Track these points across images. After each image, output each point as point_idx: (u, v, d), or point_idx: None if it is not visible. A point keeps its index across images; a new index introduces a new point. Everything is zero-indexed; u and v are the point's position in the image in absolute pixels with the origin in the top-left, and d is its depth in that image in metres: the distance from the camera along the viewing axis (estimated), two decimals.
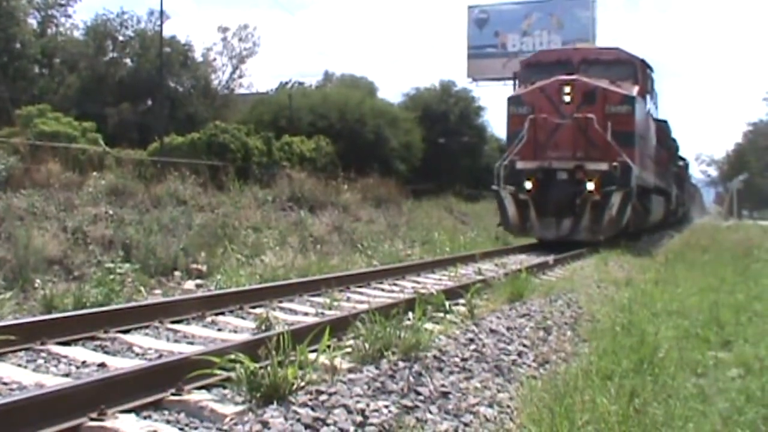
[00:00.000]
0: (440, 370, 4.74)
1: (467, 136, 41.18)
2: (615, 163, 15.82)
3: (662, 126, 26.56)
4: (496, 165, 17.32)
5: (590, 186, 15.89)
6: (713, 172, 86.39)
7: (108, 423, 3.67)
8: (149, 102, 32.85)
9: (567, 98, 16.49)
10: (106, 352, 5.39)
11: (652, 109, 21.79)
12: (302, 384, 3.99)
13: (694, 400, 4.28)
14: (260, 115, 30.43)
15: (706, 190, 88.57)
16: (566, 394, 4.09)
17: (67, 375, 4.74)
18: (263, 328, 6.15)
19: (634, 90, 17.45)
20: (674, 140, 32.99)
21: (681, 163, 39.07)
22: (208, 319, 6.76)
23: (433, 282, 9.99)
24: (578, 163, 16.17)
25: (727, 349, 6.02)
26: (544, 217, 16.45)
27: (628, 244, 16.33)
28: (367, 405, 3.83)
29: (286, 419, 3.53)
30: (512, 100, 17.81)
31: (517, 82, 18.80)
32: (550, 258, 12.44)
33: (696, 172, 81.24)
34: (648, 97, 19.90)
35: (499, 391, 4.55)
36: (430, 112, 40.09)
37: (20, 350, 5.20)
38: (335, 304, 7.64)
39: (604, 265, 11.95)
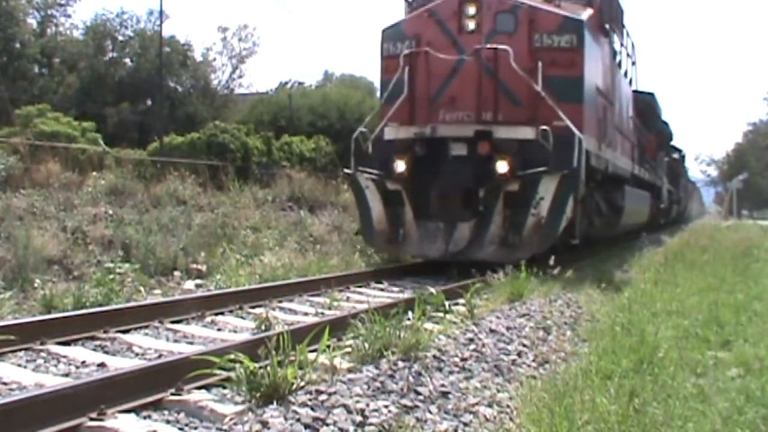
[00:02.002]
0: (440, 369, 4.74)
1: None
2: (545, 127, 9.81)
3: (647, 100, 20.93)
4: (354, 136, 11.27)
5: (502, 167, 9.89)
6: (713, 171, 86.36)
7: (108, 423, 3.67)
8: (149, 102, 32.81)
9: (470, 24, 10.70)
10: (106, 352, 5.39)
11: (627, 68, 16.28)
12: (302, 384, 3.99)
13: (693, 399, 4.28)
14: (260, 115, 30.39)
15: (706, 189, 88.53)
16: (566, 394, 4.09)
17: (66, 375, 4.74)
18: (263, 328, 6.15)
19: (585, 13, 11.24)
20: (665, 123, 26.70)
21: (676, 155, 33.34)
22: (208, 319, 6.76)
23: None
24: (483, 128, 10.16)
25: (727, 348, 6.02)
26: (426, 220, 10.41)
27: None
28: (367, 405, 3.83)
29: (285, 419, 3.53)
30: (388, 34, 11.39)
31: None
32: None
33: (696, 172, 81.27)
34: (615, 37, 14.09)
35: (498, 391, 4.55)
36: None
37: (20, 350, 5.20)
38: (335, 304, 7.64)
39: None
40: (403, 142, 10.68)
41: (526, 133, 10.12)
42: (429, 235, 10.44)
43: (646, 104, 20.73)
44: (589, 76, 11.16)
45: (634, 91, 18.24)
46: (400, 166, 10.50)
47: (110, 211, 13.56)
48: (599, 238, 14.39)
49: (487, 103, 10.39)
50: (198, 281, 10.51)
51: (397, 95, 10.78)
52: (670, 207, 28.47)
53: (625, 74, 16.47)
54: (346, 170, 11.70)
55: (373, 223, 10.80)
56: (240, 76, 38.41)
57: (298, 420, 3.54)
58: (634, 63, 17.44)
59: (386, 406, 3.88)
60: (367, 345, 4.85)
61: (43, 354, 5.18)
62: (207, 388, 4.32)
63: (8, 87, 25.87)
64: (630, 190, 15.54)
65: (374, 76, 44.03)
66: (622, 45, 15.51)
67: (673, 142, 32.09)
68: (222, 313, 7.01)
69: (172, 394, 4.13)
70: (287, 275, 9.83)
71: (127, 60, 32.92)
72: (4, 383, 4.44)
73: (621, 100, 15.21)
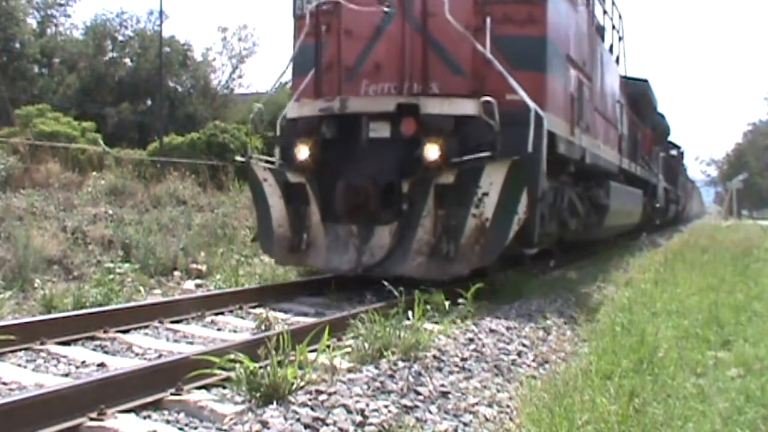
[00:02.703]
0: (440, 369, 4.75)
1: None
2: (488, 98, 7.61)
3: (640, 88, 18.64)
4: (251, 115, 10.13)
5: (432, 152, 7.64)
6: (713, 171, 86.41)
7: (107, 423, 3.68)
8: (149, 102, 32.83)
9: None
10: (106, 352, 5.39)
11: (613, 42, 14.01)
12: (302, 384, 4.00)
13: (693, 399, 4.28)
14: (260, 115, 30.39)
15: (706, 189, 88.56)
16: (566, 394, 4.09)
17: (66, 375, 4.74)
18: (263, 327, 6.15)
19: None
20: (662, 116, 24.37)
21: (674, 151, 31.33)
22: (208, 319, 6.76)
23: None
24: (406, 101, 7.86)
25: (727, 348, 6.02)
26: (334, 222, 8.14)
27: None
28: (367, 405, 3.83)
29: (285, 419, 3.53)
30: None
31: None
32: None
33: (696, 172, 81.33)
34: (596, 1, 11.84)
35: (498, 391, 4.56)
36: None
37: (20, 350, 5.20)
38: (335, 303, 7.64)
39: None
40: (308, 122, 8.31)
41: (465, 107, 7.75)
42: (339, 243, 8.07)
43: (639, 92, 18.45)
44: (556, 38, 8.76)
45: (626, 78, 16.21)
46: (303, 152, 8.16)
47: (110, 211, 13.56)
48: (576, 242, 11.97)
49: (414, 69, 8.06)
50: (198, 281, 10.51)
51: (310, 64, 8.63)
52: (667, 207, 26.46)
53: (611, 50, 13.88)
54: (238, 158, 9.72)
55: (272, 226, 8.51)
56: (240, 76, 38.51)
57: (298, 420, 3.54)
58: (621, 38, 14.96)
59: (386, 406, 3.89)
60: (366, 345, 4.86)
61: (43, 354, 5.18)
62: (207, 388, 4.33)
63: (8, 87, 25.88)
64: (617, 187, 13.48)
65: None
66: (605, 13, 13.04)
67: (672, 140, 30.87)
68: (222, 313, 7.01)
69: (172, 394, 4.13)
70: (287, 275, 9.84)
71: (127, 60, 32.94)
72: (4, 383, 4.45)
73: (604, 79, 12.60)
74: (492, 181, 7.47)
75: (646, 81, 19.22)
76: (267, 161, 8.91)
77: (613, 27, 14.25)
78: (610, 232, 14.82)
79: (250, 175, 8.91)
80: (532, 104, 7.66)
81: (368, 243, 7.94)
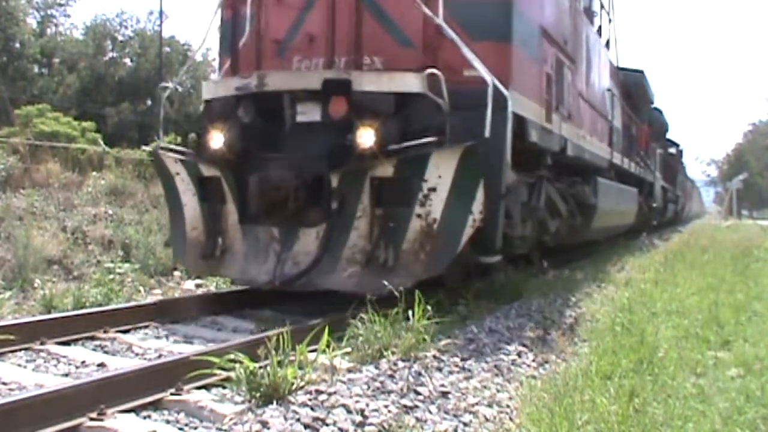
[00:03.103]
0: (440, 369, 4.75)
1: None
2: (434, 71, 6.46)
3: (635, 79, 17.51)
4: (161, 94, 9.17)
5: (366, 138, 6.36)
6: (713, 171, 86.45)
7: (107, 423, 3.68)
8: (149, 102, 32.84)
9: None
10: (106, 352, 5.39)
11: (602, 24, 12.99)
12: (302, 384, 4.00)
13: (693, 399, 4.28)
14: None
15: (706, 189, 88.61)
16: (566, 394, 4.09)
17: (66, 375, 4.74)
18: (263, 327, 6.15)
19: None
20: (659, 111, 23.66)
21: (673, 149, 30.52)
22: (208, 319, 6.76)
23: None
24: (335, 77, 6.64)
25: (727, 348, 6.02)
26: (252, 224, 6.93)
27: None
28: (367, 405, 3.83)
29: (285, 419, 3.53)
30: None
31: None
32: None
33: (696, 172, 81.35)
34: None
35: (498, 391, 4.56)
36: None
37: (20, 350, 5.21)
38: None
39: None
40: (223, 104, 7.12)
41: (408, 82, 6.49)
42: (259, 249, 6.79)
43: (634, 84, 17.22)
44: (527, 6, 7.65)
45: (620, 69, 15.29)
46: (217, 139, 6.85)
47: (110, 211, 13.55)
48: (557, 246, 10.51)
49: (348, 39, 6.78)
50: (198, 281, 10.51)
51: (236, 39, 7.43)
52: (665, 206, 25.23)
53: (599, 31, 12.38)
54: (145, 147, 8.32)
55: (185, 229, 7.33)
56: None
57: (298, 420, 3.55)
58: (611, 20, 13.60)
59: (386, 406, 3.89)
60: (366, 345, 4.86)
61: (43, 354, 5.18)
62: (207, 388, 4.33)
63: (8, 87, 25.88)
64: (606, 184, 12.18)
65: None
66: None
67: (671, 138, 30.33)
68: (222, 313, 7.01)
69: (172, 394, 4.14)
70: None
71: (127, 60, 32.95)
72: (4, 383, 4.45)
73: (591, 63, 11.25)
74: (440, 173, 6.18)
75: (641, 72, 18.05)
76: (179, 152, 7.52)
77: (602, 6, 13.02)
78: (600, 235, 13.51)
79: (159, 168, 7.60)
80: (489, 78, 6.31)
81: (291, 249, 6.61)
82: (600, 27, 12.74)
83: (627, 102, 16.74)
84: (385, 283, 5.46)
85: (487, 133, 6.23)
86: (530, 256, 9.26)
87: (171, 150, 7.60)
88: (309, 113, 6.79)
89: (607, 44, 13.53)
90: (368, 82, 6.54)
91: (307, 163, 6.60)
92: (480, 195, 6.21)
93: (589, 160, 11.07)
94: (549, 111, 8.41)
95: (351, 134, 6.41)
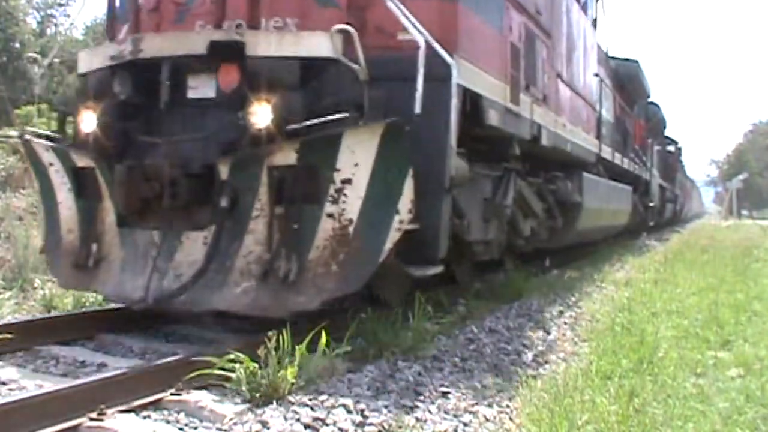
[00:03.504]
0: (440, 369, 4.75)
1: None
2: (345, 28, 5.03)
3: (630, 69, 16.41)
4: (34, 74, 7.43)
5: (260, 115, 4.93)
6: (713, 171, 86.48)
7: (107, 423, 3.67)
8: None
9: None
10: (106, 352, 5.38)
11: (589, 2, 11.60)
12: (302, 384, 4.00)
13: (693, 399, 4.28)
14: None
15: (706, 189, 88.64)
16: (566, 394, 4.09)
17: (66, 375, 4.74)
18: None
19: None
20: (656, 105, 22.95)
21: (671, 147, 29.66)
22: (208, 319, 6.74)
23: None
24: (226, 38, 5.15)
25: (727, 348, 6.02)
26: (131, 227, 5.54)
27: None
28: (367, 405, 3.83)
29: (285, 419, 3.54)
30: None
31: None
32: None
33: (696, 172, 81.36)
34: None
35: (498, 391, 4.56)
36: None
37: (20, 350, 5.20)
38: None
39: None
40: (99, 78, 5.77)
41: (316, 44, 5.17)
42: (138, 257, 5.44)
43: (628, 75, 15.96)
44: None
45: (613, 58, 14.20)
46: (88, 121, 5.54)
47: None
48: (535, 251, 9.48)
49: None
50: None
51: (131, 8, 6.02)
52: (662, 206, 23.87)
53: (584, 7, 11.18)
54: (10, 131, 6.65)
55: (60, 231, 6.03)
56: None
57: (298, 420, 3.55)
58: None
59: (386, 406, 3.89)
60: (367, 345, 4.86)
61: (42, 354, 5.18)
62: (207, 388, 4.32)
63: (8, 87, 25.88)
64: (593, 180, 10.95)
65: None
66: None
67: (670, 136, 29.65)
68: (222, 314, 7.00)
69: (172, 394, 4.13)
70: None
71: None
72: (4, 383, 4.45)
73: (573, 42, 9.95)
74: (357, 160, 4.83)
75: (636, 62, 16.61)
76: (51, 138, 6.20)
77: None
78: (587, 237, 12.15)
79: (29, 157, 6.28)
80: (422, 39, 4.97)
81: (173, 258, 5.25)
82: (586, 2, 11.41)
83: (621, 94, 15.55)
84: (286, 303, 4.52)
85: (417, 109, 4.88)
86: (502, 262, 8.28)
87: (42, 136, 6.21)
88: (202, 87, 5.36)
89: (594, 24, 12.16)
90: (266, 44, 5.18)
91: (192, 149, 5.23)
92: (407, 188, 4.86)
93: (571, 153, 9.69)
94: (515, 90, 7.05)
95: (243, 111, 5.02)
